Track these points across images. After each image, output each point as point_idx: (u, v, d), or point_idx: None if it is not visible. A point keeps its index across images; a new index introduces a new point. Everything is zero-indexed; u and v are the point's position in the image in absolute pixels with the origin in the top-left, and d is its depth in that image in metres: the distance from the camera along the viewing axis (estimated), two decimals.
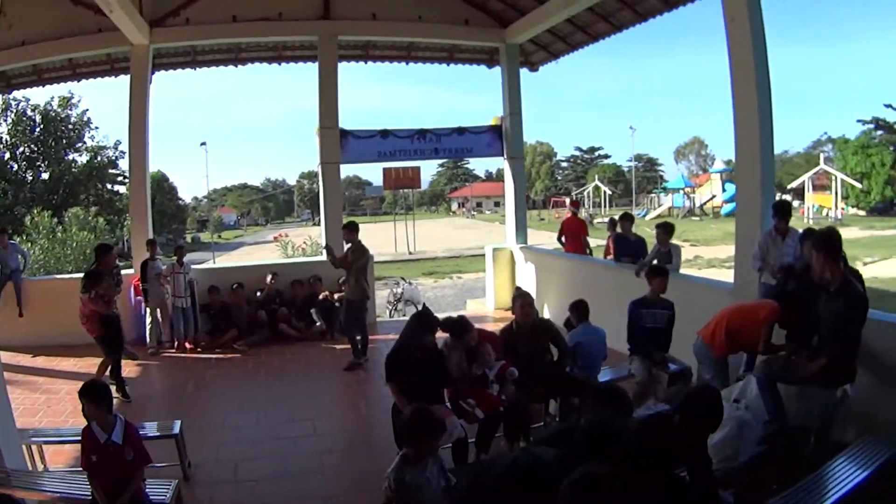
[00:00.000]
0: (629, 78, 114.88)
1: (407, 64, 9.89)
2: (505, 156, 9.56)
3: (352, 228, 6.85)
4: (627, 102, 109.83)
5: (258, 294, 8.12)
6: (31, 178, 26.86)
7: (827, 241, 3.54)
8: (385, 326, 8.91)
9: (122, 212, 25.76)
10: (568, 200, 12.06)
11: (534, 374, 4.36)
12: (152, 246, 7.75)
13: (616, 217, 8.43)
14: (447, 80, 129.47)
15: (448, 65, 10.06)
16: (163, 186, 41.41)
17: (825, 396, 3.59)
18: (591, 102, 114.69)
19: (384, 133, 8.92)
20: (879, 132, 39.01)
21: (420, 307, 11.83)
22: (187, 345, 7.62)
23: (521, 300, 4.60)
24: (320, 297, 8.09)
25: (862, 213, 37.12)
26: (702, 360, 4.22)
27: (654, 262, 6.46)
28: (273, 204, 78.88)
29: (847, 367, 3.51)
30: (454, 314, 10.01)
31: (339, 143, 8.58)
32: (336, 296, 7.90)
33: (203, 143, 59.80)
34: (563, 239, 9.17)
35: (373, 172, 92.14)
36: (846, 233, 26.19)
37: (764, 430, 3.57)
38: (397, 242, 26.90)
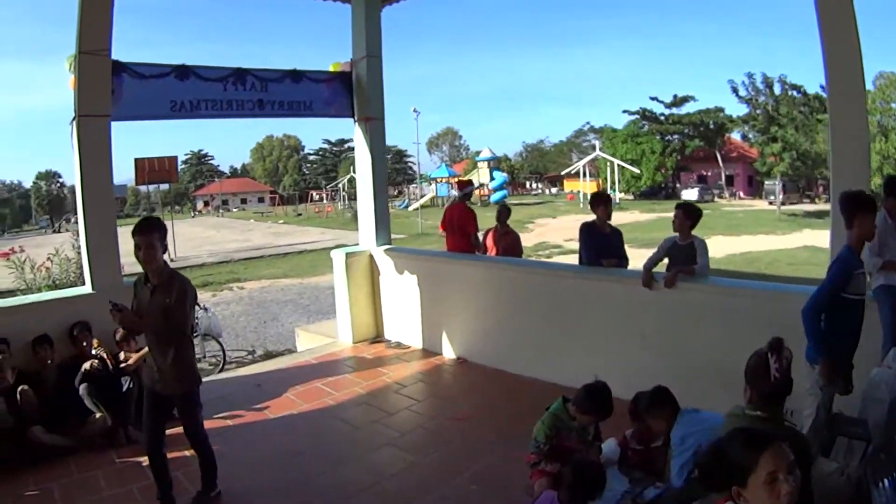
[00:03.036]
0: None
1: None
2: (356, 117, 6.41)
3: (148, 231, 3.04)
4: None
5: None
6: None
7: None
8: (213, 394, 4.69)
9: None
10: (457, 183, 8.32)
11: None
12: None
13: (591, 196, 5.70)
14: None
15: None
16: None
17: None
18: None
19: (182, 71, 5.20)
20: (645, 123, 45.15)
21: (221, 339, 7.58)
22: None
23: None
24: (88, 363, 4.20)
25: (630, 197, 42.28)
26: None
27: (666, 261, 4.62)
28: (9, 210, 66.22)
29: None
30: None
31: (109, 82, 4.72)
32: (123, 356, 4.40)
33: None
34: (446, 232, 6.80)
35: (115, 167, 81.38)
36: (629, 217, 29.09)
37: None
38: None
